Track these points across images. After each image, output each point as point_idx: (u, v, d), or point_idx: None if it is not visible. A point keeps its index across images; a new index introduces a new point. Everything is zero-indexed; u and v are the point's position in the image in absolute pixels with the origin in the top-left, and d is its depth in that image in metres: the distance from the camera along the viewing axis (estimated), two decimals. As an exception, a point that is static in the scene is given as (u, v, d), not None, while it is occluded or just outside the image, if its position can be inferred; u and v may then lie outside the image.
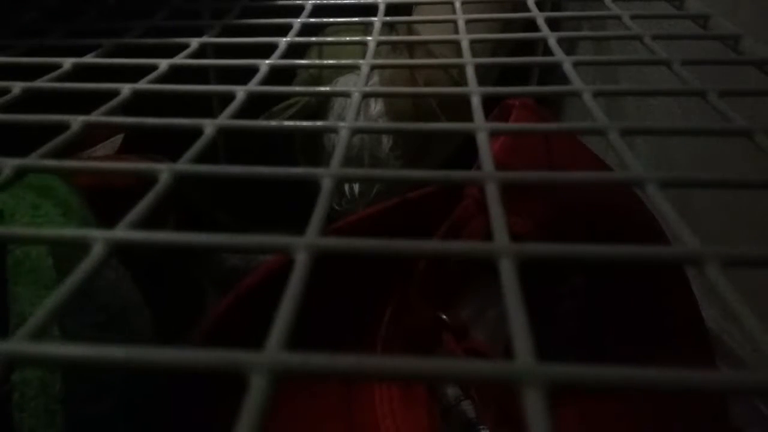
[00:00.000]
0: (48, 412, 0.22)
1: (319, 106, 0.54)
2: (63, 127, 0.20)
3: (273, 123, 0.24)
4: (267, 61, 0.26)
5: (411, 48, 0.53)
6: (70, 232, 0.15)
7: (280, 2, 0.36)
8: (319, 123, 0.23)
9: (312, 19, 0.32)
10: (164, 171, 0.17)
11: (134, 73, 0.25)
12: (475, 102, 0.21)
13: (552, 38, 0.27)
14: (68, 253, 0.25)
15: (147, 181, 0.17)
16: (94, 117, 0.21)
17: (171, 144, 0.24)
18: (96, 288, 0.26)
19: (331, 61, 0.29)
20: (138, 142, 0.50)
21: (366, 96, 0.22)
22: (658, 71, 0.48)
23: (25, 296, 0.24)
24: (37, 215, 0.26)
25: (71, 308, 0.23)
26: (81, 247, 0.14)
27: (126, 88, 0.23)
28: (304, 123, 0.24)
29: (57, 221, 0.27)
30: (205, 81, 0.44)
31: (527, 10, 0.32)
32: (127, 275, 0.28)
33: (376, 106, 0.52)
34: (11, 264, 0.24)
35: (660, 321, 0.35)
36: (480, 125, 0.20)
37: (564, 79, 0.24)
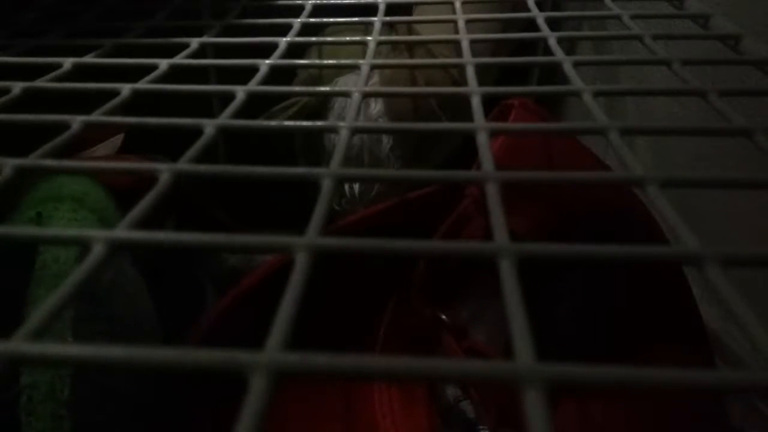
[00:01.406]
0: (55, 417, 0.22)
1: (319, 106, 0.54)
2: (63, 127, 0.20)
3: (273, 123, 0.24)
4: (267, 61, 0.26)
5: (411, 48, 0.53)
6: (70, 232, 0.15)
7: (280, 2, 0.36)
8: (319, 123, 0.23)
9: (312, 19, 0.32)
10: (164, 171, 0.17)
11: (134, 73, 0.25)
12: (475, 102, 0.21)
13: (552, 38, 0.27)
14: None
15: (147, 181, 0.17)
16: (94, 117, 0.21)
17: (171, 144, 0.24)
18: (112, 300, 0.26)
19: (331, 61, 0.29)
20: (138, 142, 0.50)
21: (366, 96, 0.22)
22: (658, 71, 0.49)
23: (45, 300, 0.24)
24: (74, 219, 0.26)
25: (85, 315, 0.23)
26: (81, 246, 0.14)
27: (126, 88, 0.23)
28: (304, 123, 0.24)
29: (93, 227, 0.27)
30: (205, 81, 0.44)
31: (527, 10, 0.32)
32: (144, 290, 0.29)
33: (376, 106, 0.52)
34: (38, 266, 0.24)
35: (658, 320, 0.35)
36: (480, 125, 0.20)
37: (564, 79, 0.24)
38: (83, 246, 0.14)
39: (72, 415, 0.22)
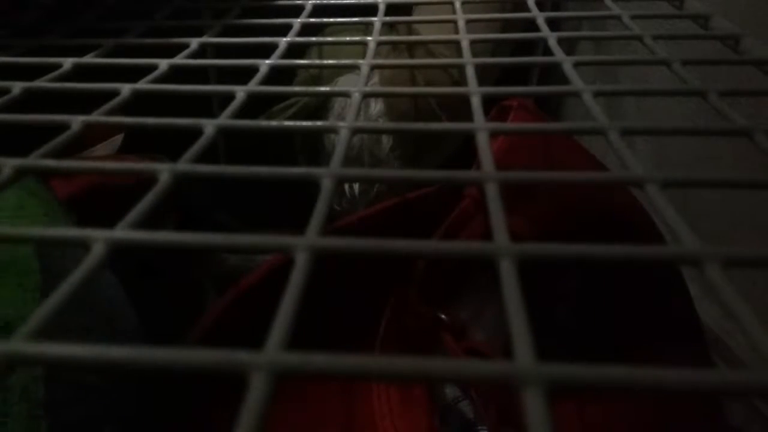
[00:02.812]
0: (31, 417, 0.22)
1: (319, 106, 0.54)
2: (63, 127, 0.20)
3: (273, 123, 0.24)
4: (267, 61, 0.26)
5: (411, 48, 0.53)
6: (70, 232, 0.15)
7: (280, 2, 0.36)
8: (319, 123, 0.23)
9: (312, 19, 0.32)
10: (164, 171, 0.17)
11: (134, 73, 0.25)
12: (475, 102, 0.21)
13: (552, 38, 0.27)
14: (55, 255, 0.25)
15: (147, 181, 0.17)
16: (94, 117, 0.21)
17: (171, 144, 0.24)
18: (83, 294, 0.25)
19: (331, 61, 0.29)
20: (138, 142, 0.50)
21: (366, 96, 0.22)
22: (658, 71, 0.49)
23: (10, 300, 0.23)
24: (20, 215, 0.26)
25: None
26: (78, 247, 0.14)
27: (126, 88, 0.23)
28: (304, 123, 0.24)
29: (40, 221, 0.26)
30: (205, 81, 0.44)
31: (527, 10, 0.32)
32: (112, 276, 0.28)
33: (376, 106, 0.52)
34: None
35: (656, 320, 0.35)
36: (480, 125, 0.20)
37: (564, 79, 0.24)
38: (83, 246, 0.14)
39: (49, 415, 0.22)
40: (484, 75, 0.51)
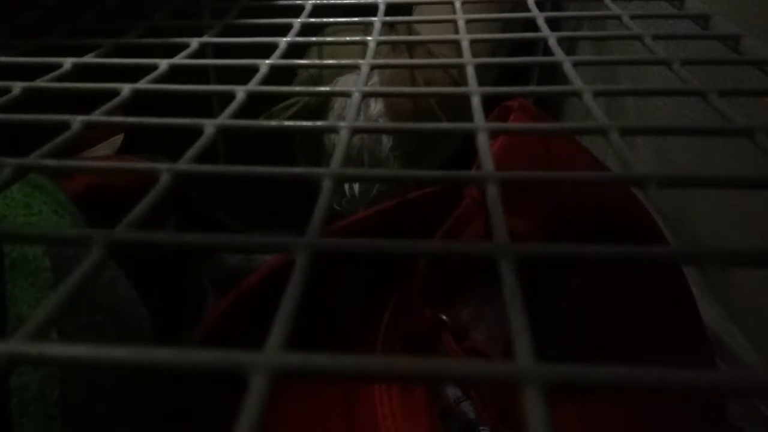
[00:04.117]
0: (47, 417, 0.22)
1: (319, 106, 0.54)
2: (63, 127, 0.20)
3: (273, 123, 0.24)
4: (267, 61, 0.26)
5: (411, 48, 0.53)
6: (71, 232, 0.15)
7: (280, 2, 0.36)
8: (319, 123, 0.23)
9: (312, 19, 0.32)
10: (164, 171, 0.17)
11: (134, 73, 0.25)
12: (475, 102, 0.21)
13: (552, 38, 0.27)
14: (65, 252, 0.25)
15: (147, 181, 0.17)
16: (94, 117, 0.21)
17: (171, 144, 0.24)
18: (91, 288, 0.25)
19: (331, 61, 0.29)
20: (138, 142, 0.50)
21: (366, 96, 0.22)
22: (658, 71, 0.49)
23: (24, 299, 0.23)
24: (31, 214, 0.26)
25: (67, 309, 0.23)
26: (79, 247, 0.14)
27: (126, 88, 0.23)
28: (304, 123, 0.24)
29: (50, 218, 0.26)
30: (205, 81, 0.44)
31: (527, 10, 0.32)
32: (121, 273, 0.28)
33: (376, 106, 0.52)
34: (8, 266, 0.24)
35: (658, 321, 0.35)
36: (480, 125, 0.20)
37: (564, 79, 0.24)
38: (84, 246, 0.14)
39: (62, 415, 0.22)
40: (484, 75, 0.51)
